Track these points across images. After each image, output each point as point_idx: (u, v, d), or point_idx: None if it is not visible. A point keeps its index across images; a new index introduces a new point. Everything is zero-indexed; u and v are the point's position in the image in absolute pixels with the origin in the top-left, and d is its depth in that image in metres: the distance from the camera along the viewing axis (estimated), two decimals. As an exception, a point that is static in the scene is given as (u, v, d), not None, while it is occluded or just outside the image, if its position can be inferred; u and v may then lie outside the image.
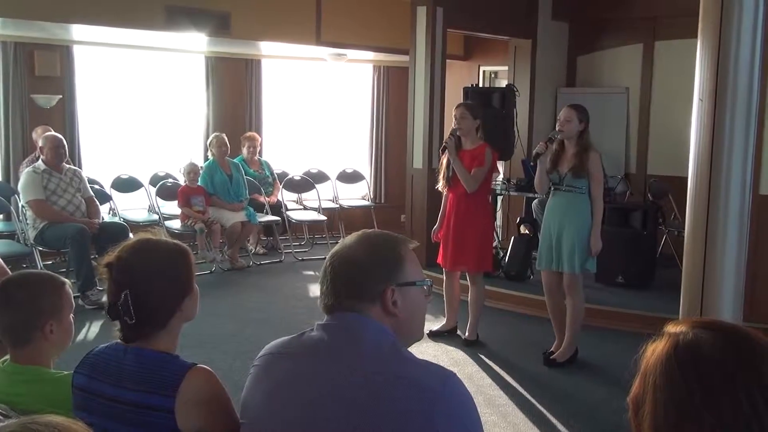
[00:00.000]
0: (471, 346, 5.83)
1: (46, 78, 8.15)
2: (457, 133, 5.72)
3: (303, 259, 8.92)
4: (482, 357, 5.66)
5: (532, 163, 5.39)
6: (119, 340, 1.97)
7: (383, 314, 1.80)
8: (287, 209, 9.26)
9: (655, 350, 1.27)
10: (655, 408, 1.21)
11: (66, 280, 2.34)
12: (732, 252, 2.67)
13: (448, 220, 5.85)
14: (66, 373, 2.11)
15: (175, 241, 2.08)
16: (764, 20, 2.69)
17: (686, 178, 3.07)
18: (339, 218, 9.95)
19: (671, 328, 1.29)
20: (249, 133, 9.31)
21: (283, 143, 10.21)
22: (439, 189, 5.95)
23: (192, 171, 8.23)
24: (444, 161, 5.81)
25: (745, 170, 2.59)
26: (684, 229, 3.08)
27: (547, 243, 5.39)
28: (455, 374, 1.73)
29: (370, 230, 1.94)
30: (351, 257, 1.82)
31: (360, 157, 10.73)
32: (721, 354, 1.20)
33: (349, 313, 1.78)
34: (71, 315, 2.30)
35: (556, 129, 5.32)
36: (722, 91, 2.55)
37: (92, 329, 6.02)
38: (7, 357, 2.24)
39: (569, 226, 5.25)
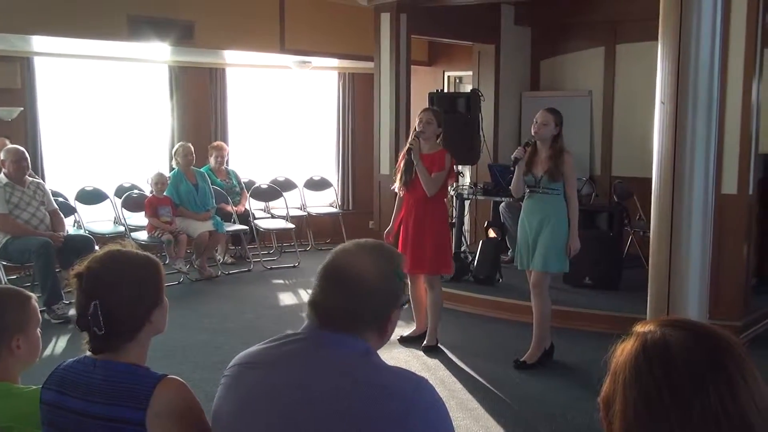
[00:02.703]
0: (431, 352, 5.83)
1: (6, 90, 8.03)
2: (421, 137, 5.75)
3: (272, 268, 8.88)
4: (454, 361, 5.67)
5: (512, 168, 5.45)
6: (88, 354, 1.96)
7: (378, 336, 1.80)
8: (255, 218, 9.22)
9: (624, 350, 1.28)
10: (625, 407, 1.22)
11: (32, 294, 2.31)
12: (697, 251, 2.72)
13: (405, 223, 5.87)
14: (34, 387, 2.09)
15: (146, 252, 2.08)
16: (722, 23, 2.74)
17: (650, 179, 3.12)
18: (307, 226, 9.94)
19: (640, 328, 1.30)
20: (216, 143, 9.25)
21: (250, 152, 10.16)
22: (395, 190, 5.98)
23: (159, 181, 8.16)
24: (402, 163, 5.83)
25: (707, 170, 2.64)
26: (649, 230, 3.14)
27: (524, 243, 5.44)
28: (427, 380, 1.74)
29: (378, 246, 1.88)
30: (366, 285, 1.76)
31: (327, 164, 10.72)
32: (690, 352, 1.22)
33: (342, 335, 1.74)
34: (38, 330, 2.27)
35: (532, 132, 5.36)
36: (683, 93, 2.60)
37: (59, 343, 5.93)
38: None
39: (547, 227, 5.30)
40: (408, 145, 5.82)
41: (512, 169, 5.46)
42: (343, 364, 1.71)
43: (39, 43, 7.92)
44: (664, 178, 2.68)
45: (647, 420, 1.19)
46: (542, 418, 4.64)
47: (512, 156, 5.46)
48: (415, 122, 5.92)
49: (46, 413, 1.94)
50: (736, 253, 6.02)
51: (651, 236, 2.84)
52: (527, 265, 5.46)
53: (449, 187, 6.33)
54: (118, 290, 1.93)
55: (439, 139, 5.81)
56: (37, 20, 7.17)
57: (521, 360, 5.46)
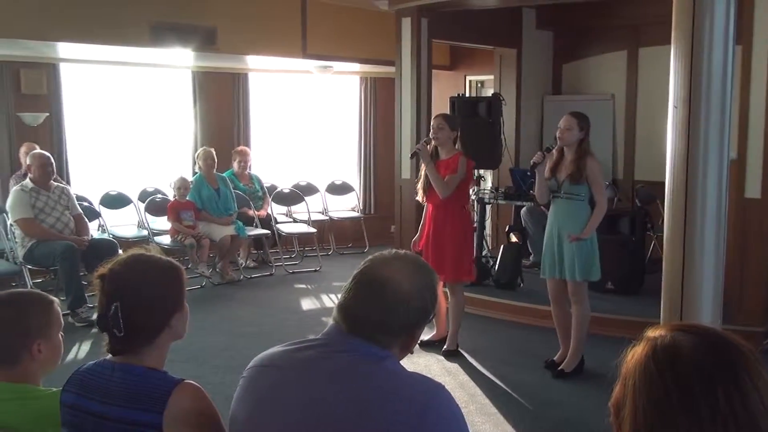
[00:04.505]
0: (451, 356, 5.83)
1: (32, 96, 8.14)
2: (433, 143, 5.74)
3: (293, 272, 8.91)
4: (474, 365, 5.67)
5: (529, 173, 5.38)
6: (107, 356, 1.99)
7: (400, 350, 1.81)
8: (277, 222, 9.26)
9: (634, 354, 1.29)
10: (634, 410, 1.23)
11: (54, 298, 2.33)
12: (710, 257, 2.70)
13: (427, 229, 5.87)
14: (54, 390, 2.11)
15: (169, 258, 2.10)
16: (735, 25, 2.72)
17: (670, 184, 3.11)
18: (329, 230, 9.97)
19: (650, 333, 1.31)
20: (240, 148, 9.30)
21: (272, 156, 10.21)
22: (419, 200, 5.98)
23: (182, 186, 8.22)
24: (422, 173, 5.83)
25: (720, 175, 2.62)
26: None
27: (549, 251, 5.37)
28: (444, 386, 1.73)
29: (416, 260, 1.89)
30: (401, 298, 1.76)
31: (349, 168, 10.75)
32: (699, 356, 1.22)
33: (366, 343, 1.74)
34: (60, 333, 2.30)
35: (556, 136, 5.29)
36: (696, 97, 2.59)
37: (83, 347, 6.00)
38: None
39: (568, 233, 5.24)
40: (415, 149, 5.82)
41: (529, 173, 5.41)
42: (359, 369, 1.71)
43: (64, 49, 8.01)
44: (677, 182, 2.67)
45: (656, 424, 1.20)
46: (563, 424, 4.62)
47: (531, 161, 5.41)
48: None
49: (66, 415, 1.97)
50: (759, 257, 5.95)
51: (664, 242, 2.83)
52: (551, 274, 5.38)
53: (470, 191, 6.27)
54: (139, 293, 1.96)
55: (457, 144, 5.80)
56: (62, 27, 7.25)
57: (559, 369, 5.42)
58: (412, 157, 5.90)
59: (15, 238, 6.84)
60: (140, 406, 1.85)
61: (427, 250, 5.79)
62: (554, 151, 5.33)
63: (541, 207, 6.71)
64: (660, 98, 8.74)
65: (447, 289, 5.91)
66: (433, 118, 5.95)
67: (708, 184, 2.59)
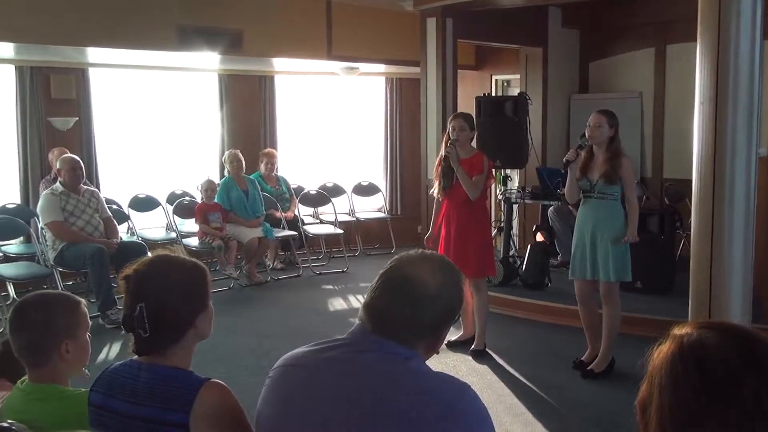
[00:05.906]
0: (479, 356, 5.81)
1: (62, 101, 8.23)
2: (456, 144, 5.76)
3: (321, 273, 8.92)
4: (502, 365, 5.65)
5: (563, 171, 5.35)
6: (134, 356, 2.00)
7: (425, 350, 1.80)
8: (304, 223, 9.28)
9: (660, 352, 1.28)
10: (661, 408, 1.22)
11: (81, 299, 2.36)
12: (738, 254, 2.66)
13: (447, 228, 5.87)
14: (82, 390, 2.13)
15: (193, 258, 2.11)
16: (763, 21, 2.68)
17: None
18: (356, 231, 9.97)
19: (677, 331, 1.30)
20: (267, 150, 9.34)
21: (298, 158, 10.24)
22: (434, 194, 5.99)
23: (210, 188, 8.28)
24: (439, 169, 5.84)
25: (748, 171, 2.58)
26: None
27: (580, 251, 5.33)
28: (470, 386, 1.73)
29: (442, 260, 1.88)
30: (428, 297, 1.76)
31: (375, 169, 10.75)
32: (726, 353, 1.21)
33: (391, 342, 1.74)
34: (88, 334, 2.32)
35: (586, 135, 5.24)
36: (722, 93, 2.55)
37: (113, 348, 6.05)
38: (26, 377, 2.26)
39: (603, 234, 5.18)
40: (444, 152, 5.83)
41: (563, 171, 5.38)
42: (385, 369, 1.71)
43: (93, 54, 8.10)
44: (704, 179, 2.64)
45: (682, 422, 1.18)
46: (591, 424, 4.59)
47: (564, 159, 5.37)
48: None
49: (94, 415, 1.99)
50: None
51: (692, 239, 2.80)
52: (581, 275, 5.34)
53: (494, 188, 6.29)
54: (164, 293, 1.97)
55: (473, 142, 5.85)
56: (91, 33, 7.32)
57: (588, 368, 5.39)
58: (445, 160, 5.90)
59: (46, 241, 6.93)
60: (167, 405, 1.87)
61: (448, 248, 5.78)
62: (583, 152, 5.28)
63: (569, 206, 6.66)
64: (689, 95, 8.60)
65: (472, 288, 5.89)
66: (450, 119, 5.95)
67: (736, 180, 2.55)
